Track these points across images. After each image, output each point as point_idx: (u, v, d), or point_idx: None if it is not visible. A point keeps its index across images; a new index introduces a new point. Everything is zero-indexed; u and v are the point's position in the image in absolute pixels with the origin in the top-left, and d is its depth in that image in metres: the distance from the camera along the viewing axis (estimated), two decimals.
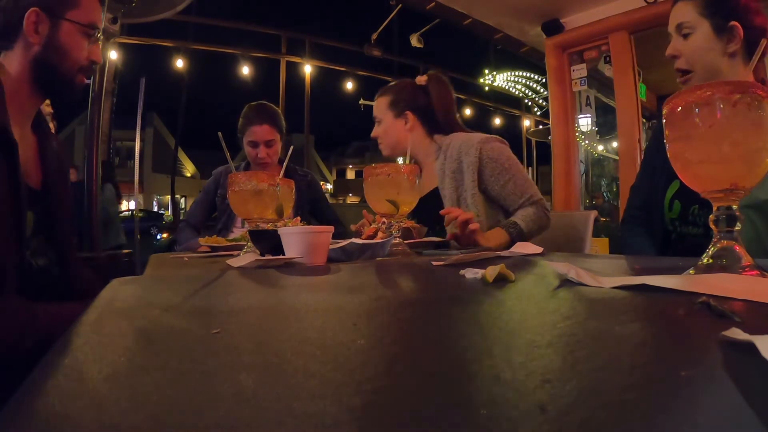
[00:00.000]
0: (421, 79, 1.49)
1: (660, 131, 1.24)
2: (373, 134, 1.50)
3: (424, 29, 5.07)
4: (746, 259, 0.47)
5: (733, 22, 0.99)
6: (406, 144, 1.40)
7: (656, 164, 1.15)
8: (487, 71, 7.41)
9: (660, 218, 1.11)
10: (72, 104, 1.00)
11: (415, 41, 5.16)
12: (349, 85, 7.46)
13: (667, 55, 1.06)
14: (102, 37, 0.97)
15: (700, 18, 1.01)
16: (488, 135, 1.37)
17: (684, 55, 1.04)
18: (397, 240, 1.06)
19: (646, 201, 1.18)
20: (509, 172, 1.30)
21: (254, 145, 1.77)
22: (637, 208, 1.21)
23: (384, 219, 1.15)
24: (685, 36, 1.03)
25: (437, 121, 1.45)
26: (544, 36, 3.83)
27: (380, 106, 1.47)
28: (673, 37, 1.06)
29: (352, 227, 1.39)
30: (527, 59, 4.80)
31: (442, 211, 1.19)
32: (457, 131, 1.43)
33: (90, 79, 1.02)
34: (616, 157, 3.69)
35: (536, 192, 1.31)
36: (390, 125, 1.46)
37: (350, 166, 29.19)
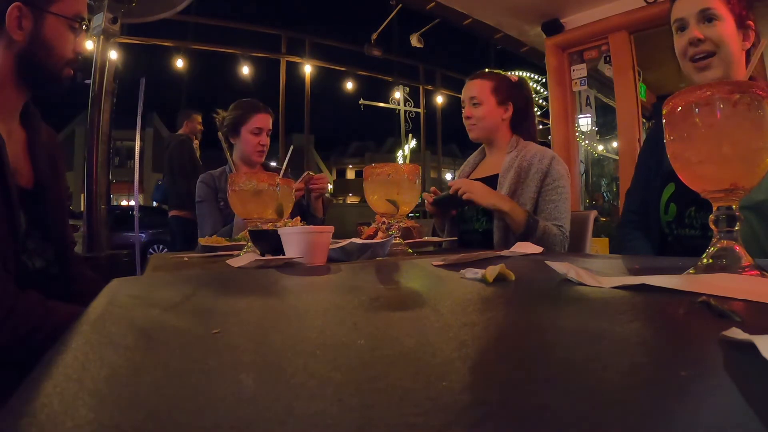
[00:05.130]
0: (514, 77, 1.53)
1: (653, 134, 1.24)
2: (468, 113, 1.50)
3: (424, 29, 5.07)
4: (746, 259, 0.47)
5: (750, 22, 1.00)
6: (498, 132, 1.50)
7: (651, 167, 1.15)
8: (487, 71, 7.41)
9: (656, 221, 1.11)
10: (57, 96, 0.96)
11: (415, 41, 5.16)
12: (349, 85, 7.47)
13: (691, 39, 1.02)
14: (86, 28, 0.93)
15: (726, 10, 1.00)
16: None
17: (711, 39, 1.00)
18: (397, 240, 1.06)
19: (642, 204, 1.17)
20: (560, 195, 1.36)
21: (259, 131, 1.80)
22: (634, 212, 1.21)
23: (384, 219, 1.15)
24: (710, 21, 1.00)
25: (523, 121, 1.50)
26: (544, 36, 3.83)
27: (483, 88, 1.48)
28: (690, 24, 1.02)
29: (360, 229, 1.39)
30: (527, 59, 4.80)
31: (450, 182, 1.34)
32: (533, 138, 1.50)
33: (79, 72, 0.97)
34: (616, 157, 3.69)
35: (567, 225, 1.35)
36: (492, 110, 1.48)
37: (350, 166, 29.20)
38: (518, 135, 1.49)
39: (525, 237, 1.25)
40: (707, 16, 1.01)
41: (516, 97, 1.49)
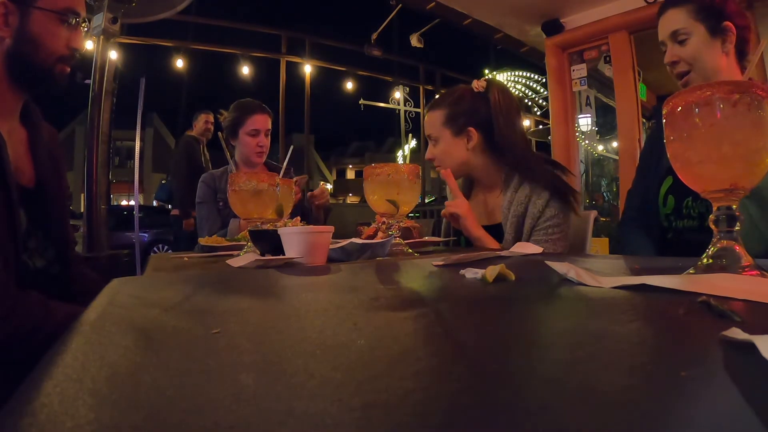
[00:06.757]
0: (478, 85, 1.28)
1: (653, 135, 1.26)
2: (428, 156, 1.30)
3: (424, 29, 5.07)
4: (746, 259, 0.47)
5: (726, 23, 1.02)
6: (469, 165, 1.28)
7: (650, 165, 1.17)
8: (487, 71, 7.44)
9: (656, 216, 1.13)
10: (54, 95, 0.94)
11: (415, 41, 5.16)
12: (349, 85, 7.47)
13: (667, 63, 1.08)
14: (84, 23, 0.91)
15: (694, 23, 1.03)
16: (556, 188, 1.20)
17: (684, 60, 1.05)
18: (397, 240, 1.06)
19: (643, 202, 1.19)
20: (548, 236, 1.18)
21: (256, 133, 1.80)
22: (634, 210, 1.23)
23: (384, 219, 1.15)
24: (682, 42, 1.05)
25: (501, 137, 1.23)
26: (544, 36, 3.83)
27: (434, 122, 1.27)
28: (668, 45, 1.08)
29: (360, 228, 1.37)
30: (527, 59, 4.80)
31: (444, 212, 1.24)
32: (521, 155, 1.23)
33: (79, 72, 0.94)
34: (616, 157, 3.69)
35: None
36: (449, 145, 1.26)
37: (350, 166, 29.22)
38: (503, 163, 1.26)
39: None
40: (677, 38, 1.06)
41: (478, 115, 1.24)
